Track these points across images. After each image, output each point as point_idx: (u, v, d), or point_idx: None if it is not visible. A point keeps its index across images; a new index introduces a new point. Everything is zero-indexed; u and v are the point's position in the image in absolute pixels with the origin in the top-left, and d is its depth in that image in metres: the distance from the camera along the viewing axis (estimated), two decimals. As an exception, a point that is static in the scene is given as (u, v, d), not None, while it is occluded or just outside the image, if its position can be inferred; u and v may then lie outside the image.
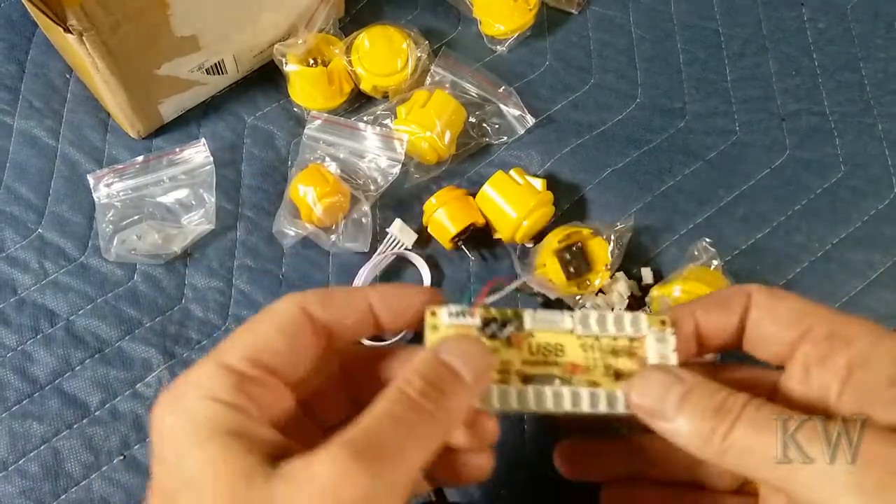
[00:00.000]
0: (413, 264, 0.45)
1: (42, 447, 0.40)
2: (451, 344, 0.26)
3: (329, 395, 0.29)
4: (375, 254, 0.44)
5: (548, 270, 0.43)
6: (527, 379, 0.27)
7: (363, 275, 0.43)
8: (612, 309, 0.43)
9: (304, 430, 0.27)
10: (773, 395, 0.28)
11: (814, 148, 0.50)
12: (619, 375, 0.28)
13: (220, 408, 0.23)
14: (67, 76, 0.49)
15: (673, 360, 0.28)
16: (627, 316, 0.28)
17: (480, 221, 0.45)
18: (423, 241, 0.46)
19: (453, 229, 0.44)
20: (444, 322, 0.27)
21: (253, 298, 0.44)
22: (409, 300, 0.28)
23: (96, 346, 0.42)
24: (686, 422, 0.25)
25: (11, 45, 0.50)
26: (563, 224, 0.45)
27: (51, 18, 0.37)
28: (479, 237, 0.46)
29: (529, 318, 0.28)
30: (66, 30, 0.37)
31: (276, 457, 0.23)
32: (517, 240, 0.45)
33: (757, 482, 0.30)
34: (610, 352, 0.28)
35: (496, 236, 0.46)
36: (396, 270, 0.45)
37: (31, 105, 0.48)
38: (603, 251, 0.43)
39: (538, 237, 0.45)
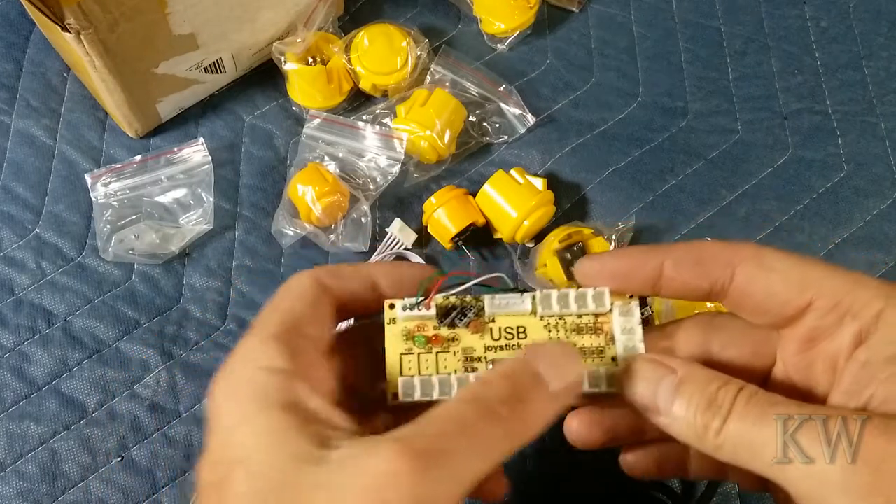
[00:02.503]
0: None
1: (39, 448, 0.40)
2: (543, 349, 0.25)
3: (363, 375, 0.29)
4: (375, 253, 0.44)
5: (548, 270, 0.43)
6: (494, 364, 0.27)
7: (362, 275, 0.43)
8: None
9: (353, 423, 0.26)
10: (770, 366, 0.27)
11: (816, 147, 0.50)
12: (583, 353, 0.27)
13: (274, 377, 0.23)
14: (65, 75, 0.49)
15: (638, 332, 0.27)
16: (590, 292, 0.28)
17: (480, 221, 0.45)
18: (423, 240, 0.46)
19: (453, 229, 0.44)
20: (400, 315, 0.28)
21: (251, 299, 0.44)
22: (410, 272, 0.28)
23: (94, 347, 0.42)
24: (680, 416, 0.25)
25: (9, 43, 0.50)
26: (563, 224, 0.44)
27: (48, 17, 0.37)
28: (479, 237, 0.45)
29: (489, 303, 0.28)
30: (64, 28, 0.37)
31: (329, 437, 0.22)
32: (517, 240, 0.45)
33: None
34: (574, 330, 0.28)
35: (496, 236, 0.45)
36: (396, 270, 0.45)
37: (28, 104, 0.48)
38: (604, 251, 0.43)
39: (539, 237, 0.45)
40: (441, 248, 0.45)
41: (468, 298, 0.28)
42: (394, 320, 0.28)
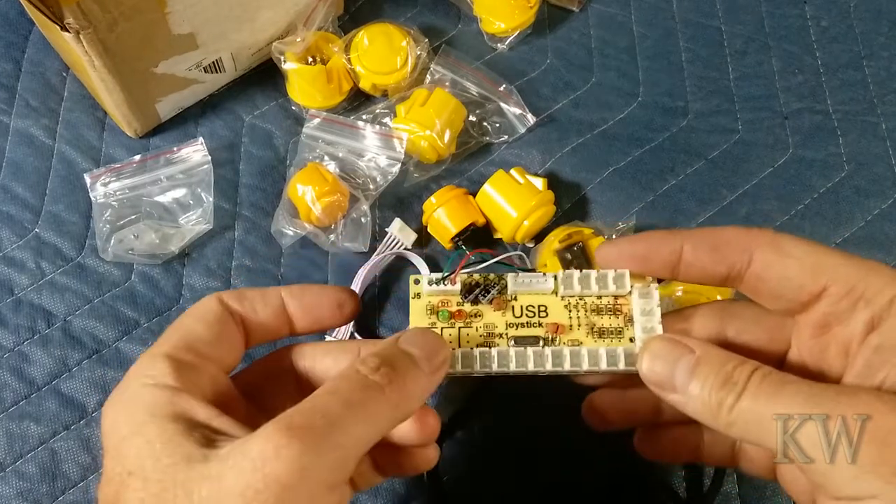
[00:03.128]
0: (413, 264, 0.45)
1: (39, 448, 0.40)
2: (411, 334, 0.26)
3: (282, 394, 0.29)
4: (375, 253, 0.44)
5: (549, 270, 0.43)
6: (515, 341, 0.28)
7: (362, 274, 0.43)
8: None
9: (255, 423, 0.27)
10: (785, 351, 0.28)
11: (817, 147, 0.50)
12: (602, 334, 0.28)
13: (159, 392, 0.24)
14: (64, 75, 0.49)
15: (657, 314, 0.28)
16: (611, 274, 0.28)
17: (480, 221, 0.45)
18: (423, 240, 0.45)
19: (453, 229, 0.44)
20: (426, 290, 0.28)
21: (251, 299, 0.44)
22: (319, 298, 0.29)
23: (94, 347, 0.42)
24: (695, 394, 0.25)
25: (8, 43, 0.50)
26: (564, 224, 0.44)
27: (48, 16, 0.37)
28: (479, 237, 0.45)
29: (512, 281, 0.28)
30: (63, 28, 0.37)
31: (216, 440, 0.23)
32: (518, 239, 0.45)
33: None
34: (594, 310, 0.28)
35: (496, 236, 0.45)
36: (396, 270, 0.45)
37: (27, 104, 0.48)
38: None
39: (539, 237, 0.45)
40: (441, 248, 0.45)
41: (491, 276, 0.29)
42: (419, 294, 0.28)
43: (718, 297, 0.40)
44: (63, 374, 0.41)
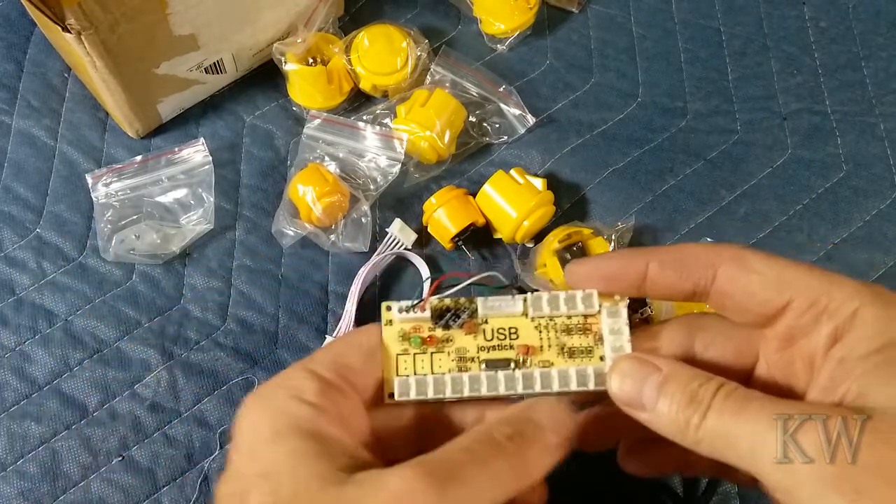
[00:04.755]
0: (413, 264, 0.45)
1: (40, 448, 0.40)
2: (542, 405, 0.26)
3: (401, 445, 0.29)
4: (375, 254, 0.44)
5: (548, 271, 0.43)
6: (486, 364, 0.28)
7: (362, 275, 0.43)
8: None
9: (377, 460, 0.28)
10: (753, 364, 0.28)
11: (815, 147, 0.50)
12: (572, 353, 0.28)
13: (305, 408, 0.24)
14: (66, 75, 0.49)
15: (625, 332, 0.28)
16: (579, 294, 0.28)
17: (480, 221, 0.45)
18: (423, 240, 0.46)
19: (453, 229, 0.44)
20: (397, 317, 0.28)
21: (252, 298, 0.44)
22: None
23: (95, 347, 0.42)
24: (663, 412, 0.25)
25: (10, 44, 0.50)
26: (563, 224, 0.44)
27: (49, 17, 0.37)
28: (479, 237, 0.45)
29: (482, 304, 0.29)
30: (65, 29, 0.37)
31: (351, 467, 0.23)
32: (517, 240, 0.45)
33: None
34: (564, 330, 0.29)
35: (496, 236, 0.46)
36: (396, 270, 0.45)
37: (29, 104, 0.48)
38: (604, 251, 0.43)
39: (538, 237, 0.45)
40: (441, 248, 0.46)
41: (462, 300, 0.29)
42: (391, 321, 0.28)
43: (707, 307, 0.40)
44: (64, 373, 0.42)
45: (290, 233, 0.44)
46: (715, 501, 0.40)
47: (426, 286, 0.29)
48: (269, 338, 0.43)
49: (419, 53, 0.48)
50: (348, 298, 0.43)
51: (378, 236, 0.45)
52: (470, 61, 0.50)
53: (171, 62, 0.43)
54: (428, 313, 0.28)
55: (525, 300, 0.29)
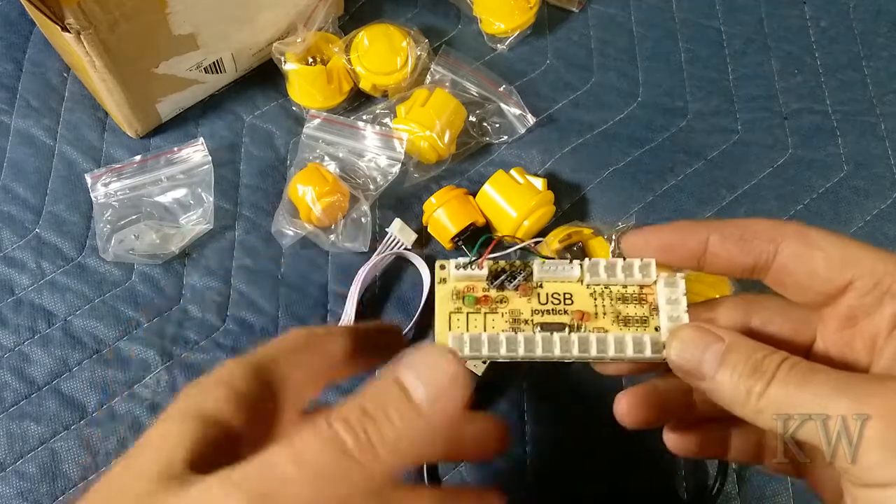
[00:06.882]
0: (413, 264, 0.45)
1: (39, 448, 0.40)
2: (415, 358, 0.22)
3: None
4: (375, 253, 0.44)
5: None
6: (541, 327, 0.28)
7: (362, 275, 0.43)
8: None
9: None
10: (810, 343, 0.28)
11: (816, 147, 0.50)
12: (627, 322, 0.28)
13: (216, 391, 0.23)
14: (65, 75, 0.49)
15: (683, 303, 0.28)
16: (637, 262, 0.28)
17: (480, 221, 0.45)
18: (423, 240, 0.46)
19: (453, 229, 0.44)
20: (453, 274, 0.28)
21: (251, 298, 0.44)
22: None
23: (94, 347, 0.42)
24: (724, 381, 0.25)
25: (9, 43, 0.50)
26: (563, 224, 0.44)
27: (48, 17, 0.37)
28: (479, 237, 0.45)
29: (538, 268, 0.28)
30: (64, 28, 0.37)
31: (213, 465, 0.20)
32: (517, 239, 0.45)
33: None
34: (619, 299, 0.28)
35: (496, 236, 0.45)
36: (396, 270, 0.45)
37: (28, 104, 0.48)
38: (604, 251, 0.43)
39: (539, 237, 0.45)
40: (441, 248, 0.45)
41: (517, 263, 0.29)
42: (444, 280, 0.28)
43: (717, 297, 0.40)
44: (63, 373, 0.41)
45: (290, 233, 0.44)
46: (717, 502, 0.40)
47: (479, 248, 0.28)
48: (269, 338, 0.43)
49: (419, 53, 0.48)
50: (348, 298, 0.43)
51: (378, 236, 0.45)
52: (470, 61, 0.50)
53: (171, 62, 0.43)
54: (485, 271, 0.28)
55: (582, 266, 0.28)
